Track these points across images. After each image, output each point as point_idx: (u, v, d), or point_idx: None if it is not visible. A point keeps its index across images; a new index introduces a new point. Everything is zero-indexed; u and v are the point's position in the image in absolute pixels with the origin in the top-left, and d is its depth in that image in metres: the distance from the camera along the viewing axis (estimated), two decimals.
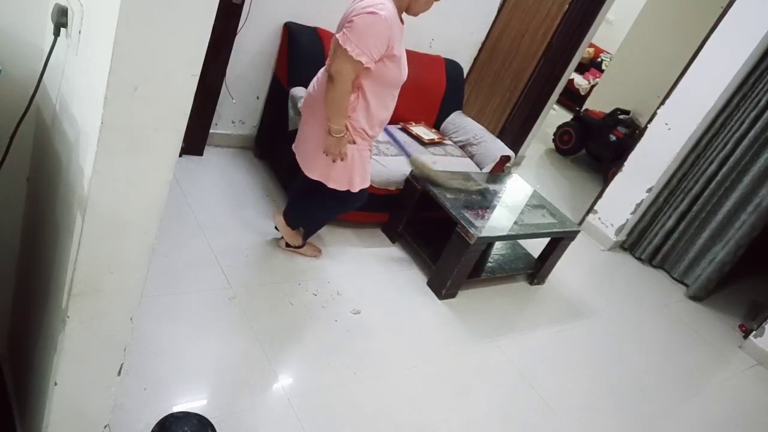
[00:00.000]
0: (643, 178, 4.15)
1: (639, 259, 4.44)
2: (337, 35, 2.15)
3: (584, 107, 6.64)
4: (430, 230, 3.22)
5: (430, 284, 3.01)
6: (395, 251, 3.19)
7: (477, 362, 2.67)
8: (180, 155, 2.99)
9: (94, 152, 0.96)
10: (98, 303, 1.13)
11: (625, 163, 4.25)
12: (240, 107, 3.33)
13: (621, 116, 5.83)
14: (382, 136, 3.37)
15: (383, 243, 3.21)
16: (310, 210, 2.69)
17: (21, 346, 1.62)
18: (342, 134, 2.28)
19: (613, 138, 5.73)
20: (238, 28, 2.95)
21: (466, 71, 4.10)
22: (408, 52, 3.54)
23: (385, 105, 2.39)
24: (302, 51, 3.08)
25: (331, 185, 2.45)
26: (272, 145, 3.34)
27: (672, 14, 5.79)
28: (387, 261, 3.08)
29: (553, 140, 6.16)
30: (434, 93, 3.73)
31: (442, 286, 2.93)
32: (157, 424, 1.42)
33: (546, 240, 3.43)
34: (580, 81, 7.51)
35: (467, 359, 2.66)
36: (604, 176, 5.51)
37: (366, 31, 2.08)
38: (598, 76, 7.48)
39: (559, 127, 6.12)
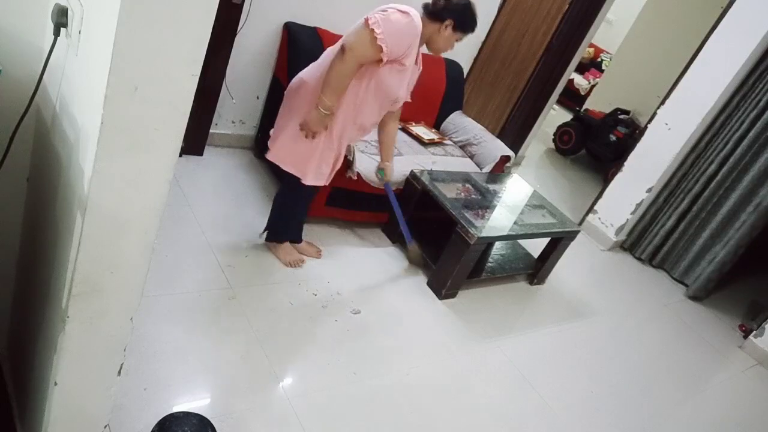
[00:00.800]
0: (643, 178, 4.15)
1: (639, 259, 4.44)
2: (367, 17, 2.10)
3: (584, 107, 6.65)
4: (430, 230, 3.22)
5: (430, 284, 3.01)
6: (395, 251, 3.19)
7: (477, 362, 2.67)
8: (180, 155, 2.99)
9: (94, 152, 0.96)
10: (98, 303, 1.13)
11: (625, 163, 4.25)
12: (240, 107, 3.33)
13: (621, 116, 5.83)
14: None
15: (383, 243, 3.22)
16: (275, 216, 2.67)
17: (21, 346, 1.62)
18: (328, 113, 2.20)
19: (613, 138, 5.73)
20: (238, 28, 2.95)
21: (466, 71, 4.10)
22: None
23: (370, 112, 2.33)
24: (302, 51, 3.08)
25: (286, 167, 2.38)
26: None
27: (672, 14, 5.79)
28: (387, 261, 3.08)
29: (553, 140, 6.16)
30: (434, 93, 3.73)
31: (442, 286, 2.93)
32: (157, 424, 1.42)
33: (546, 240, 3.43)
34: (580, 81, 7.52)
35: (467, 359, 2.66)
36: (604, 176, 5.51)
37: (396, 25, 2.09)
38: (598, 76, 7.48)
39: (559, 127, 6.12)
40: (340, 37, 3.20)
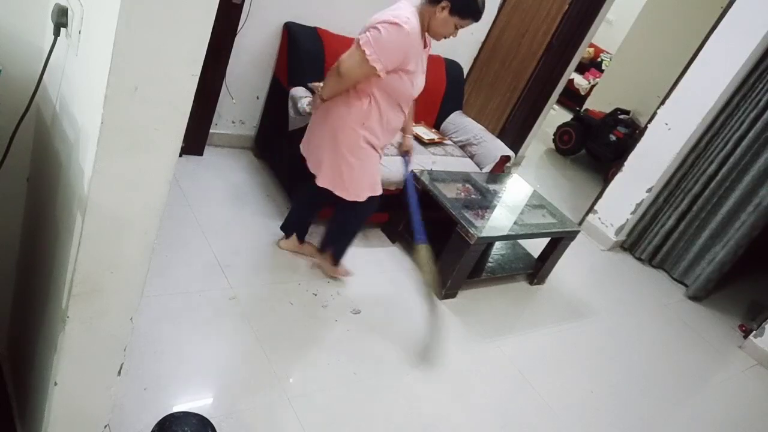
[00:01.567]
0: (643, 178, 4.15)
1: (639, 259, 4.44)
2: (359, 36, 2.17)
3: (584, 107, 6.64)
4: (430, 230, 3.21)
5: None
6: (395, 251, 3.19)
7: (477, 362, 2.67)
8: (180, 155, 2.99)
9: (94, 152, 0.95)
10: (98, 303, 1.13)
11: (625, 163, 4.25)
12: (240, 107, 3.33)
13: (621, 116, 5.83)
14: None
15: (383, 243, 3.21)
16: (336, 235, 2.70)
17: (21, 346, 1.62)
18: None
19: (613, 138, 5.73)
20: (238, 28, 2.95)
21: (466, 71, 4.10)
22: None
23: (396, 114, 2.39)
24: (302, 51, 3.08)
25: (338, 193, 2.43)
26: (272, 145, 3.34)
27: (672, 14, 5.78)
28: (387, 261, 3.08)
29: (553, 140, 6.16)
30: (434, 93, 3.72)
31: (442, 286, 2.93)
32: (157, 424, 1.42)
33: (546, 240, 3.43)
34: (580, 81, 7.51)
35: (467, 359, 2.66)
36: (604, 176, 5.51)
37: (387, 40, 2.11)
38: (598, 76, 7.48)
39: (559, 127, 6.12)
40: (340, 37, 3.24)
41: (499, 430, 2.37)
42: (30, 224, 1.50)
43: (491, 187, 3.41)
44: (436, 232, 3.14)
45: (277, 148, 3.27)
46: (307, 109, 2.84)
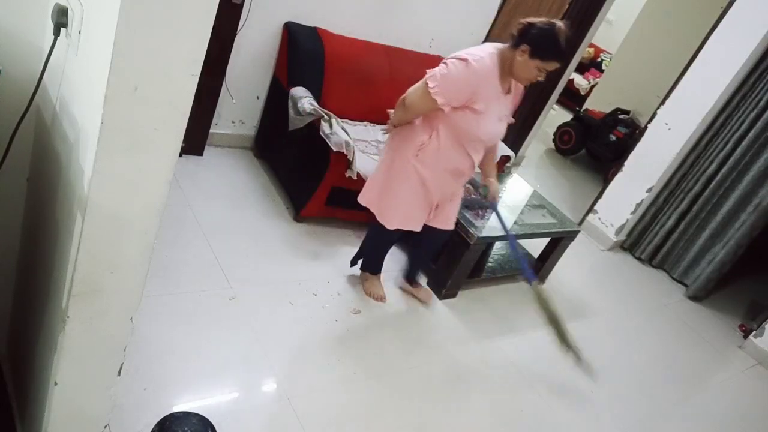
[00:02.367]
0: (643, 178, 4.15)
1: (639, 259, 4.43)
2: (429, 70, 2.17)
3: (584, 107, 6.64)
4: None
5: (430, 284, 3.01)
6: (395, 251, 3.18)
7: (477, 362, 2.67)
8: (180, 155, 2.98)
9: (94, 152, 0.96)
10: (98, 303, 1.13)
11: (625, 163, 4.24)
12: (240, 107, 3.33)
13: (621, 116, 5.82)
14: (382, 135, 3.37)
15: None
16: (367, 248, 2.77)
17: (21, 346, 1.62)
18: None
19: (613, 138, 5.73)
20: (238, 28, 2.95)
21: None
22: (408, 52, 3.57)
23: (459, 155, 2.30)
24: (302, 51, 3.08)
25: (372, 210, 2.47)
26: (272, 145, 3.34)
27: (672, 14, 5.78)
28: (387, 261, 3.07)
29: (553, 140, 6.15)
30: None
31: (442, 286, 2.93)
32: (157, 424, 1.42)
33: (546, 240, 3.42)
34: (580, 81, 7.51)
35: (467, 359, 2.66)
36: (604, 176, 5.50)
37: (453, 75, 2.10)
38: (598, 76, 7.48)
39: (559, 127, 6.11)
40: (340, 37, 3.24)
41: (499, 430, 2.37)
42: (30, 224, 1.50)
43: None
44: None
45: (277, 148, 3.27)
46: (308, 109, 2.84)
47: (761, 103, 3.75)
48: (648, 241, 4.36)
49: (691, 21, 4.87)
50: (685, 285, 4.27)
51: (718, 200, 4.05)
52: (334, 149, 2.70)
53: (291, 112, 2.94)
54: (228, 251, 2.61)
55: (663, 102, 4.02)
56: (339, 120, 2.88)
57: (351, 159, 2.78)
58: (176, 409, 1.85)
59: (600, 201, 4.39)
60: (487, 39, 4.10)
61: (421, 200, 2.40)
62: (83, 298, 1.10)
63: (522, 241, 3.60)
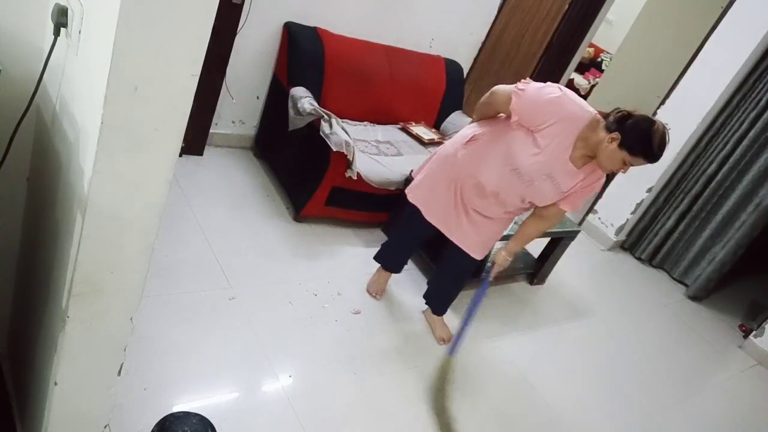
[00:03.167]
0: (643, 177, 4.15)
1: (639, 259, 4.44)
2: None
3: None
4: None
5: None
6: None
7: (477, 362, 2.67)
8: (180, 155, 2.99)
9: (94, 152, 0.95)
10: (98, 303, 1.13)
11: None
12: (240, 107, 3.33)
13: None
14: (382, 135, 3.37)
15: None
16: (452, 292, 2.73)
17: (21, 346, 1.62)
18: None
19: None
20: (238, 28, 2.95)
21: (466, 71, 4.10)
22: (408, 52, 3.58)
23: (491, 171, 2.22)
24: (302, 51, 3.08)
25: (478, 257, 2.45)
26: (272, 145, 3.34)
27: (672, 14, 5.78)
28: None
29: None
30: (434, 93, 3.73)
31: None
32: (157, 424, 1.42)
33: (546, 240, 3.42)
34: (581, 81, 7.51)
35: (467, 359, 2.66)
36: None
37: (540, 93, 2.05)
38: (598, 76, 7.47)
39: None
40: (340, 37, 3.24)
41: (499, 430, 2.37)
42: (30, 224, 1.50)
43: None
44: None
45: (277, 148, 3.27)
46: (308, 109, 2.84)
47: (761, 103, 3.75)
48: (648, 241, 4.36)
49: (691, 21, 4.87)
50: (685, 285, 4.27)
51: (718, 200, 4.05)
52: (335, 149, 2.70)
53: (291, 112, 2.94)
54: (228, 251, 2.61)
55: (663, 102, 4.03)
56: (339, 120, 2.88)
57: (351, 159, 2.78)
58: (176, 409, 1.85)
59: (600, 201, 4.39)
60: (487, 39, 4.11)
61: (445, 181, 2.35)
62: (83, 298, 1.10)
63: None
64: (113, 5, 0.85)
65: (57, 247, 1.21)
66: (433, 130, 3.70)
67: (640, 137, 2.00)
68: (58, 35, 1.10)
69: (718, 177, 4.00)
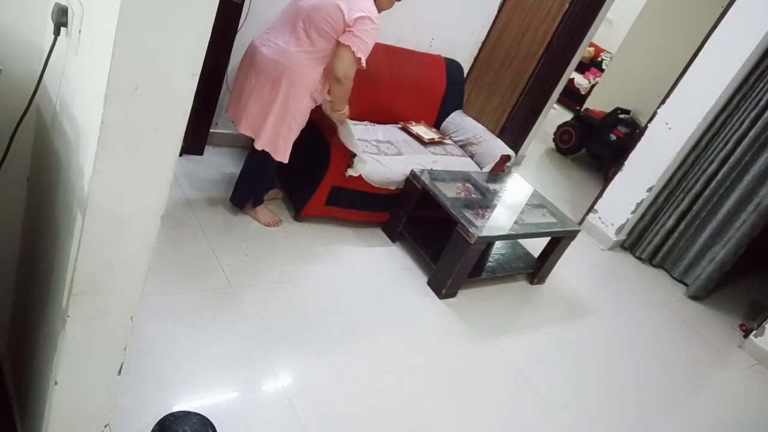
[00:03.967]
0: (643, 177, 4.15)
1: (639, 258, 4.44)
2: (342, 38, 2.34)
3: (584, 107, 6.64)
4: (431, 230, 3.22)
5: (430, 284, 3.01)
6: (395, 251, 3.19)
7: (477, 362, 2.67)
8: (180, 155, 2.99)
9: (94, 152, 0.96)
10: (98, 303, 1.13)
11: (626, 163, 4.24)
12: None
13: (621, 116, 5.82)
14: (382, 135, 3.37)
15: (383, 243, 3.21)
16: (247, 182, 2.84)
17: (21, 345, 1.62)
18: (345, 113, 2.67)
19: (613, 137, 5.73)
20: (238, 28, 2.95)
21: (466, 70, 4.10)
22: (408, 52, 3.58)
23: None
24: None
25: (277, 158, 2.61)
26: None
27: (672, 14, 5.78)
28: (387, 261, 3.08)
29: (554, 140, 6.15)
30: (434, 92, 3.72)
31: (443, 286, 2.93)
32: (157, 423, 1.42)
33: (546, 239, 3.43)
34: (581, 80, 7.51)
35: (467, 359, 2.66)
36: (605, 176, 5.50)
37: (372, 38, 2.39)
38: (598, 75, 7.48)
39: (559, 127, 6.11)
40: None
41: (499, 429, 2.37)
42: (30, 224, 1.50)
43: (491, 186, 3.41)
44: (436, 231, 3.15)
45: None
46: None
47: (761, 103, 3.75)
48: (648, 241, 4.36)
49: (691, 21, 4.87)
50: (686, 284, 4.27)
51: (719, 200, 4.05)
52: (354, 151, 2.76)
53: None
54: (228, 251, 2.61)
55: (663, 101, 4.02)
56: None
57: (352, 159, 2.78)
58: (176, 408, 1.84)
59: (600, 200, 4.39)
60: (488, 38, 4.11)
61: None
62: (83, 297, 1.10)
63: (522, 241, 3.61)
64: (113, 5, 0.85)
65: (57, 247, 1.21)
66: (434, 129, 3.70)
67: None
68: (58, 35, 1.10)
69: (719, 177, 3.99)
